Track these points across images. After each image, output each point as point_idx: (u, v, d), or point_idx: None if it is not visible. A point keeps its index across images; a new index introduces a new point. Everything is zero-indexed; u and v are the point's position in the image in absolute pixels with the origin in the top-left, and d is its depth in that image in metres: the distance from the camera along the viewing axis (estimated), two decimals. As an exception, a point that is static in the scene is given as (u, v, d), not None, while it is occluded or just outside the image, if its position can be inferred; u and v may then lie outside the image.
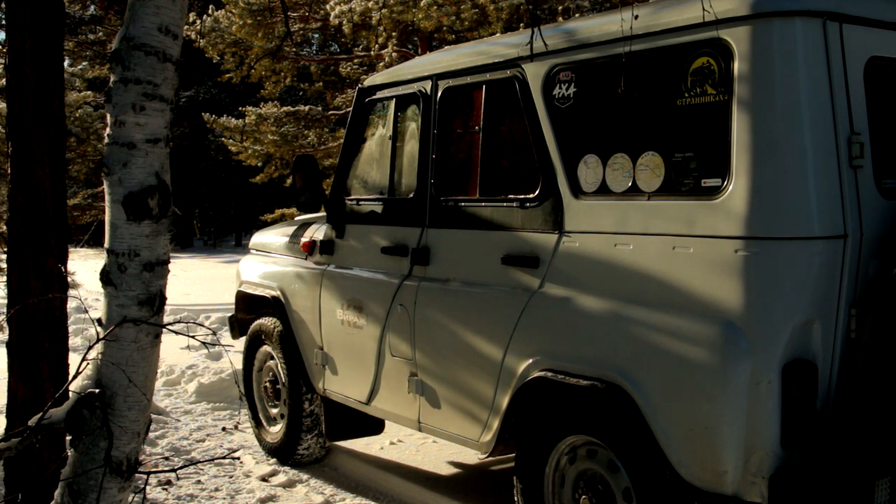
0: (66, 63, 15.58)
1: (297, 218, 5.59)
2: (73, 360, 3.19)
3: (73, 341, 7.42)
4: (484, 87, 3.63)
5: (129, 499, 2.63)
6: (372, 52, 14.37)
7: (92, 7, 23.57)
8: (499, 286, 3.44)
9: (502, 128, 3.64)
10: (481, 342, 3.47)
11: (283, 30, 13.85)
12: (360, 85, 4.50)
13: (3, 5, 5.98)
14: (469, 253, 3.65)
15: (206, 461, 4.76)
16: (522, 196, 3.40)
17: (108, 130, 2.53)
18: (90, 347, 2.57)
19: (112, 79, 2.51)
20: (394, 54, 13.39)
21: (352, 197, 4.41)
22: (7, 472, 3.63)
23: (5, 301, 3.68)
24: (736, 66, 2.69)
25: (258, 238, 5.40)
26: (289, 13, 14.56)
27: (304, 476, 4.67)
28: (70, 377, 2.85)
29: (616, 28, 2.99)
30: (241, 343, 5.51)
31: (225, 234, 32.18)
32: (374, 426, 4.68)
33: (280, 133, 15.01)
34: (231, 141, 15.88)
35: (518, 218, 3.41)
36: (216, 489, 4.45)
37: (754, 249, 2.62)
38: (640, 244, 2.93)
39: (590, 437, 3.05)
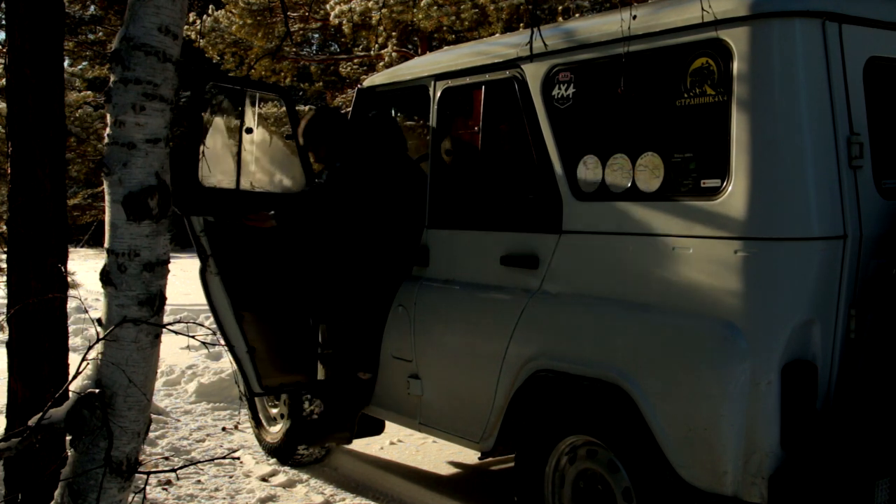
0: (66, 63, 15.56)
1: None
2: (73, 360, 3.19)
3: (73, 341, 7.42)
4: (483, 87, 3.63)
5: (129, 499, 2.63)
6: (372, 52, 14.37)
7: (92, 7, 23.54)
8: (498, 286, 3.44)
9: (502, 128, 3.65)
10: (481, 342, 3.47)
11: (283, 30, 13.86)
12: (359, 85, 4.50)
13: (2, 5, 5.98)
14: (469, 253, 3.65)
15: (206, 461, 4.76)
16: (522, 196, 3.40)
17: (108, 130, 2.53)
18: (90, 347, 2.57)
19: (112, 79, 2.51)
20: (394, 54, 13.40)
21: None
22: (7, 472, 3.63)
23: (5, 301, 3.68)
24: (735, 66, 2.69)
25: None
26: (289, 13, 14.56)
27: (304, 476, 4.66)
28: (70, 377, 2.85)
29: (615, 28, 2.99)
30: (240, 343, 5.50)
31: (225, 234, 32.08)
32: (374, 426, 4.68)
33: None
34: (231, 141, 15.85)
35: (517, 218, 3.41)
36: (216, 489, 4.45)
37: (754, 250, 2.62)
38: (640, 245, 2.93)
39: (590, 437, 3.05)
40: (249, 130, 4.37)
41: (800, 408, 2.61)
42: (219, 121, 4.41)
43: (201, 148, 4.18)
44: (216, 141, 4.32)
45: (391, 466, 4.89)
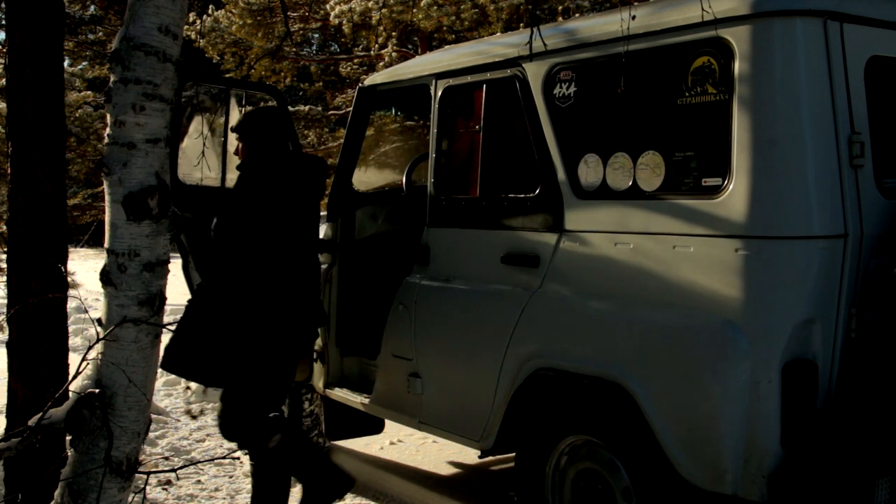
0: (66, 63, 15.56)
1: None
2: (73, 360, 3.19)
3: (73, 341, 7.42)
4: (484, 86, 3.62)
5: (129, 499, 2.63)
6: (372, 52, 14.38)
7: (92, 7, 23.54)
8: (499, 285, 3.44)
9: (502, 127, 3.64)
10: (481, 341, 3.46)
11: (283, 30, 13.86)
12: (360, 84, 4.50)
13: (2, 5, 5.98)
14: (469, 252, 3.65)
15: (206, 461, 4.76)
16: (523, 195, 3.40)
17: (108, 130, 2.53)
18: (90, 347, 2.57)
19: (112, 79, 2.51)
20: (394, 54, 13.41)
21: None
22: (7, 472, 3.63)
23: (5, 301, 3.68)
24: (736, 65, 2.69)
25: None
26: (289, 13, 14.57)
27: (305, 476, 4.66)
28: (70, 377, 2.85)
29: (616, 27, 2.98)
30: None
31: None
32: (374, 426, 4.68)
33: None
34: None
35: (518, 217, 3.41)
36: (216, 489, 4.45)
37: (754, 248, 2.62)
38: (641, 243, 2.92)
39: (590, 436, 3.05)
40: (235, 129, 4.38)
41: (800, 407, 2.61)
42: (202, 119, 4.42)
43: (181, 146, 4.20)
44: (200, 139, 4.32)
45: (391, 466, 4.89)
